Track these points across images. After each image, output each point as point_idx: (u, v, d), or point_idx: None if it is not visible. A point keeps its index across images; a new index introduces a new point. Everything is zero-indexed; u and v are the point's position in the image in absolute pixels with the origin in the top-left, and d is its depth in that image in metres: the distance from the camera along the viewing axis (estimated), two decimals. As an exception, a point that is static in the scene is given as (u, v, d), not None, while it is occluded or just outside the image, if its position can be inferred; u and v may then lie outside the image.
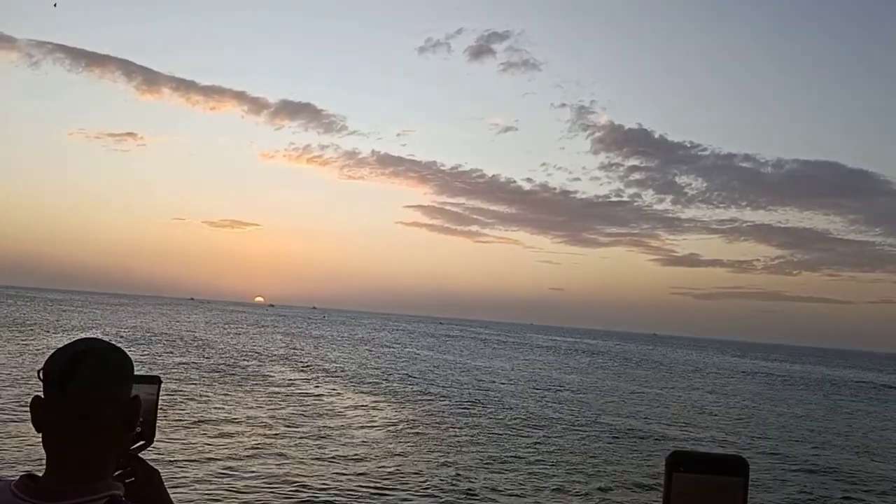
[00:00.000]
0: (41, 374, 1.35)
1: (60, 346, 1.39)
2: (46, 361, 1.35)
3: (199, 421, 17.78)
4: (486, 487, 13.33)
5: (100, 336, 1.49)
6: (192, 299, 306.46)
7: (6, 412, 16.48)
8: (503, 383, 34.65)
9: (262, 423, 18.30)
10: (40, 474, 1.34)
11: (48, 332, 43.39)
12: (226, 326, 74.54)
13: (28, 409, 1.37)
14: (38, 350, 31.12)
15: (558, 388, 34.71)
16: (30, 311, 69.68)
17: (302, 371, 33.45)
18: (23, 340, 36.45)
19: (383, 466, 14.33)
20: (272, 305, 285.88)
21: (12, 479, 1.34)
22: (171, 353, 37.04)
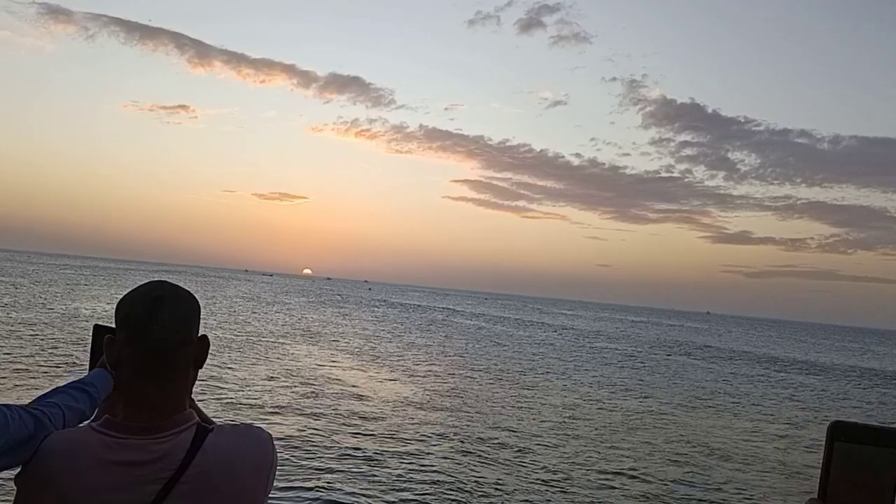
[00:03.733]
0: (116, 317, 1.41)
1: (132, 289, 1.44)
2: (123, 305, 1.41)
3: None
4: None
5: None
6: (246, 271, 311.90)
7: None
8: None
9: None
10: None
11: (107, 298, 44.49)
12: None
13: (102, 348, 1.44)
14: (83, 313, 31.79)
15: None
16: (80, 277, 71.77)
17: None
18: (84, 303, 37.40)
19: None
20: (329, 279, 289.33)
21: (90, 423, 1.40)
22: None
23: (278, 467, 1.55)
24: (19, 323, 26.69)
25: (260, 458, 1.43)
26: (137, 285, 1.45)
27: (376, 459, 11.97)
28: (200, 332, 1.49)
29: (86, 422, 1.47)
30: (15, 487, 1.36)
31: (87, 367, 1.63)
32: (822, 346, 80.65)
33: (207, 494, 1.35)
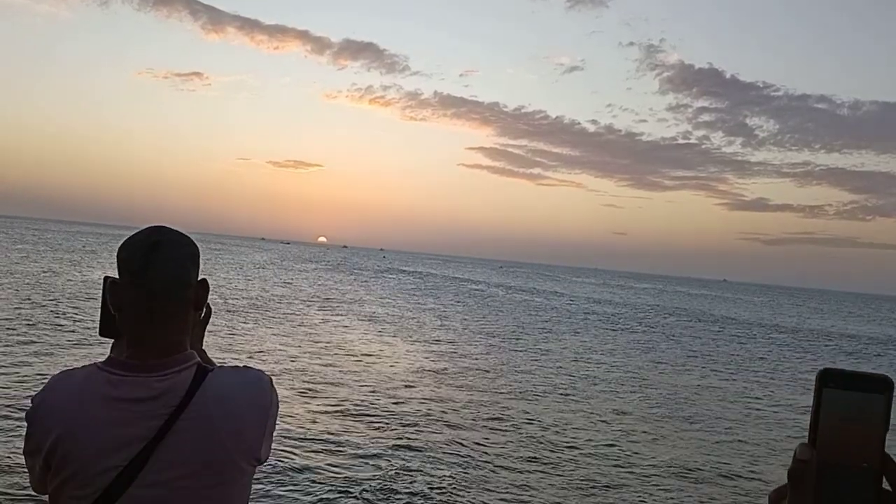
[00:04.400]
0: (118, 260, 1.47)
1: (132, 234, 1.50)
2: (122, 249, 1.47)
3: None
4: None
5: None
6: (262, 239, 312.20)
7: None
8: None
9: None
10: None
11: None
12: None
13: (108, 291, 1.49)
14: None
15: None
16: (98, 245, 72.43)
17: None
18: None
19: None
20: (345, 247, 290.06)
21: (95, 362, 1.47)
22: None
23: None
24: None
25: (258, 398, 1.48)
26: (137, 230, 1.52)
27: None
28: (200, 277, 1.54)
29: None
30: (26, 422, 1.44)
31: (99, 313, 1.69)
32: (833, 314, 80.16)
33: (207, 430, 1.41)
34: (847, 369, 0.78)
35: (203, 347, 1.69)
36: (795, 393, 20.00)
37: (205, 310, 1.65)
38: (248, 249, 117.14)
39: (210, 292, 1.58)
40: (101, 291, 1.75)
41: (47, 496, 1.44)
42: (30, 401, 1.45)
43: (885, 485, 0.73)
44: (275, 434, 1.57)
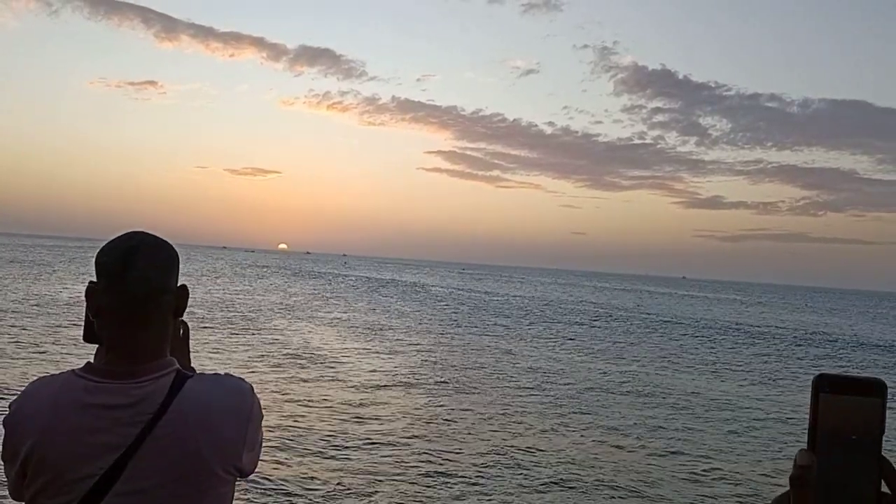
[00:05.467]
0: (96, 266, 1.45)
1: (111, 239, 1.47)
2: (100, 254, 1.45)
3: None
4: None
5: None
6: (224, 248, 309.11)
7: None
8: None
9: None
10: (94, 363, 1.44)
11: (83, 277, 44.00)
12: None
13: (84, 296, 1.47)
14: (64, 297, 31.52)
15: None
16: (53, 258, 70.88)
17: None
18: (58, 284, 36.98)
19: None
20: (308, 253, 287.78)
21: (72, 369, 1.44)
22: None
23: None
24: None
25: (238, 405, 1.45)
26: (117, 236, 1.48)
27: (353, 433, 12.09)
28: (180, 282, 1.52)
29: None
30: (3, 428, 1.41)
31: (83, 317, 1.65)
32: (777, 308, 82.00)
33: (184, 438, 1.38)
34: (842, 374, 0.78)
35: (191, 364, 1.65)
36: (773, 393, 20.41)
37: (182, 328, 1.62)
38: (210, 258, 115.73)
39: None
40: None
41: None
42: (7, 406, 1.42)
43: (884, 487, 0.74)
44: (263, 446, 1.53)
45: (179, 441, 1.38)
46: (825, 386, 0.78)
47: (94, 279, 1.46)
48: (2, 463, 1.45)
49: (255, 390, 1.52)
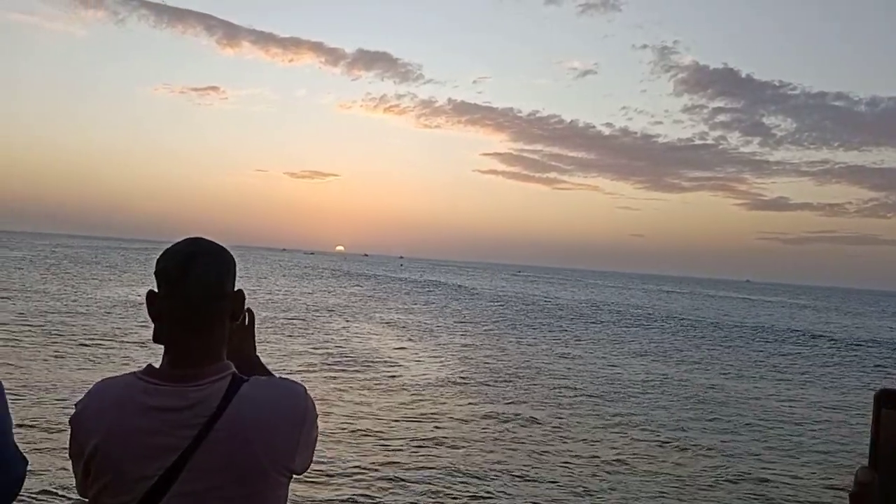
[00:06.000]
0: (156, 272, 1.49)
1: (170, 246, 1.51)
2: (160, 260, 1.49)
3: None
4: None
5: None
6: (284, 250, 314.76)
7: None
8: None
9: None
10: (156, 365, 1.48)
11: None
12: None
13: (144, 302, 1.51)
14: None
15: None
16: (121, 260, 73.18)
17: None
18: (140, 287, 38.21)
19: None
20: (366, 255, 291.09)
21: (134, 371, 1.49)
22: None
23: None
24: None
25: (292, 409, 1.48)
26: (175, 242, 1.53)
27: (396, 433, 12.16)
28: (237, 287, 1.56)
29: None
30: (70, 427, 1.48)
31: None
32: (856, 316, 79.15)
33: (240, 441, 1.41)
34: None
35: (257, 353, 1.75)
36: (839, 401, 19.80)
37: (247, 315, 1.69)
38: (268, 261, 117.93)
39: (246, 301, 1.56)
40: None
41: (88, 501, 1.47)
42: (74, 406, 1.49)
43: None
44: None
45: (235, 444, 1.41)
46: (888, 401, 0.74)
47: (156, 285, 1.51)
48: (70, 459, 1.50)
49: (312, 390, 1.54)
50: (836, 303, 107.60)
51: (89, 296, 31.97)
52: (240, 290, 1.55)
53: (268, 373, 1.67)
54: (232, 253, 1.56)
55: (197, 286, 1.46)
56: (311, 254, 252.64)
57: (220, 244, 1.55)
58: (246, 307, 1.63)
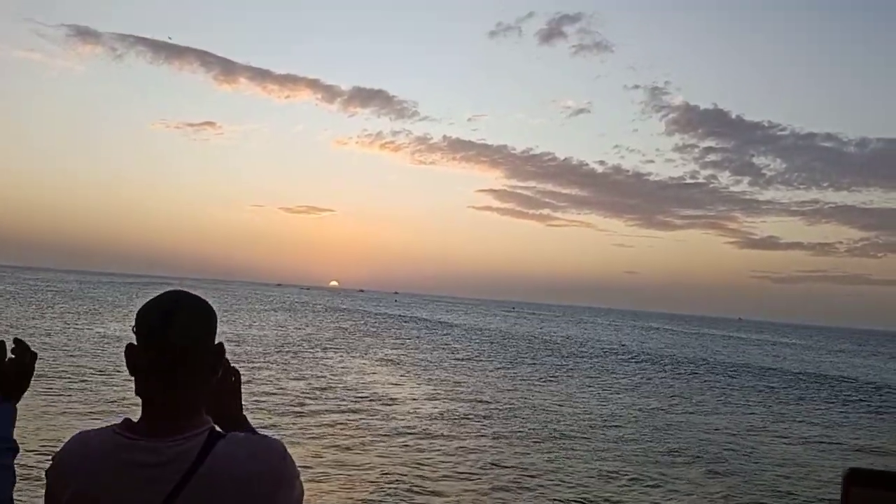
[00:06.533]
0: (135, 325, 1.47)
1: (151, 299, 1.49)
2: (140, 313, 1.47)
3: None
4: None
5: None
6: (279, 285, 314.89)
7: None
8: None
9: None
10: (135, 419, 1.47)
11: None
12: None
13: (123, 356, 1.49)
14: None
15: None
16: (119, 295, 72.84)
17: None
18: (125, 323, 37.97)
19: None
20: (362, 290, 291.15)
21: (112, 425, 1.47)
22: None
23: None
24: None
25: (268, 469, 1.42)
26: (156, 296, 1.51)
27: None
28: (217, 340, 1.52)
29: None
30: (46, 479, 1.46)
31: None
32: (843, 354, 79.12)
33: (214, 500, 1.38)
34: (876, 468, 0.74)
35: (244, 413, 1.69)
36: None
37: (234, 375, 1.67)
38: (263, 297, 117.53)
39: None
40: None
41: None
42: (51, 458, 1.47)
43: None
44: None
45: (209, 502, 1.37)
46: (857, 480, 0.72)
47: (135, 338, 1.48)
48: None
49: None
50: (822, 341, 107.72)
51: (81, 332, 31.77)
52: (220, 345, 1.53)
53: (251, 430, 1.62)
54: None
55: (176, 341, 1.43)
56: (307, 289, 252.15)
57: (202, 297, 1.53)
58: (233, 367, 1.62)
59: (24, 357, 1.82)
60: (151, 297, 1.50)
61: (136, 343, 1.47)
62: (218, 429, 1.48)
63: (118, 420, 1.47)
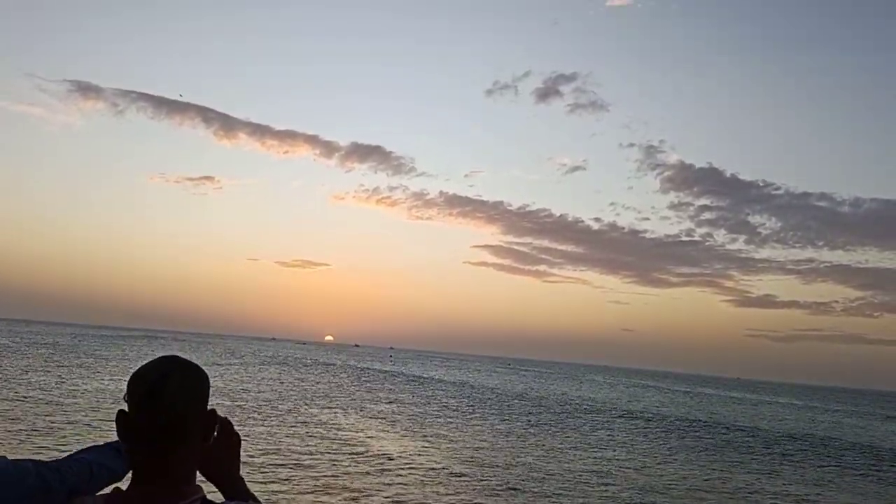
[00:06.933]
0: (126, 392, 1.46)
1: (143, 364, 1.49)
2: (131, 380, 1.46)
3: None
4: None
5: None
6: (273, 339, 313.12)
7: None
8: None
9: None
10: (124, 488, 1.45)
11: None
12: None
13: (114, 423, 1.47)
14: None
15: None
16: (116, 350, 72.39)
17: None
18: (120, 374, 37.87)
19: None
20: (357, 345, 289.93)
21: (101, 493, 1.49)
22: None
23: None
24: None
25: None
26: (148, 360, 1.52)
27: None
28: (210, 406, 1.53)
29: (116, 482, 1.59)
30: None
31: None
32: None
33: None
34: None
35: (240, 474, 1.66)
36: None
37: (235, 439, 1.65)
38: (258, 349, 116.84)
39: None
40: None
41: None
42: None
43: None
44: None
45: None
46: None
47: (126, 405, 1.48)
48: None
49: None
50: (817, 402, 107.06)
51: (77, 387, 31.75)
52: (212, 410, 1.51)
53: (248, 495, 1.62)
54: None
55: (166, 407, 1.42)
56: (304, 344, 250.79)
57: (194, 363, 1.53)
58: (235, 430, 1.64)
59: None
60: (143, 363, 1.50)
61: (126, 410, 1.46)
62: (209, 497, 1.48)
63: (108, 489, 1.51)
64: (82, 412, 23.24)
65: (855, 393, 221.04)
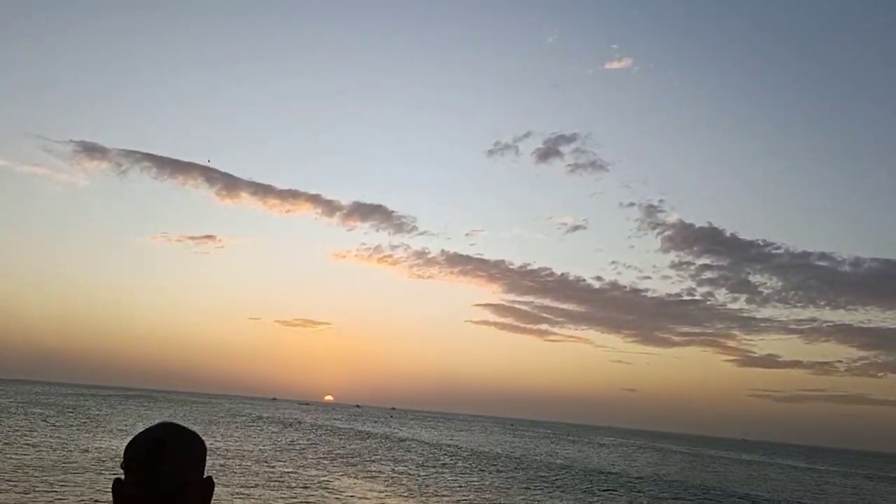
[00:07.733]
0: (123, 460, 1.46)
1: (140, 432, 1.51)
2: (128, 448, 1.47)
3: None
4: None
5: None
6: (274, 399, 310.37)
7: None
8: None
9: None
10: None
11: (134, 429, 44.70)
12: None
13: (110, 492, 1.47)
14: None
15: None
16: (112, 410, 71.77)
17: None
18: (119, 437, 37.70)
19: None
20: (358, 406, 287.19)
21: None
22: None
23: None
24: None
25: None
26: (145, 428, 1.51)
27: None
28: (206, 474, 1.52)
29: None
30: None
31: None
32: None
33: None
34: None
35: None
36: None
37: None
38: (260, 410, 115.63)
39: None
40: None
41: None
42: None
43: None
44: None
45: None
46: None
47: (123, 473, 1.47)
48: None
49: None
50: (822, 464, 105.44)
51: (78, 449, 31.63)
52: (209, 478, 1.51)
53: None
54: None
55: (163, 475, 1.41)
56: (306, 404, 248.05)
57: (192, 429, 1.53)
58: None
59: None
60: (141, 430, 1.51)
61: (123, 478, 1.45)
62: None
63: None
64: (79, 472, 23.16)
65: (858, 454, 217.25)
